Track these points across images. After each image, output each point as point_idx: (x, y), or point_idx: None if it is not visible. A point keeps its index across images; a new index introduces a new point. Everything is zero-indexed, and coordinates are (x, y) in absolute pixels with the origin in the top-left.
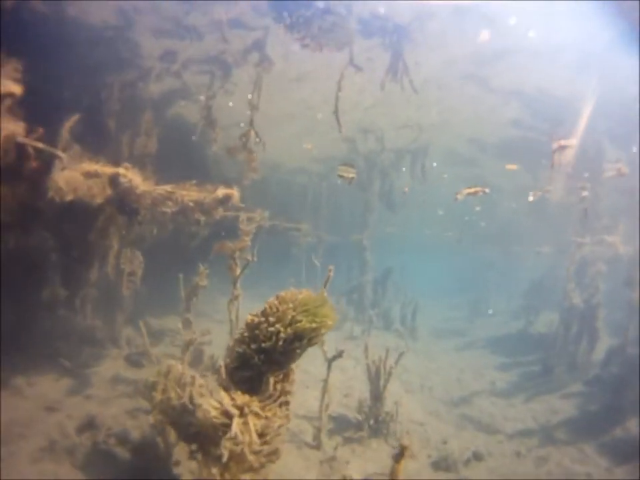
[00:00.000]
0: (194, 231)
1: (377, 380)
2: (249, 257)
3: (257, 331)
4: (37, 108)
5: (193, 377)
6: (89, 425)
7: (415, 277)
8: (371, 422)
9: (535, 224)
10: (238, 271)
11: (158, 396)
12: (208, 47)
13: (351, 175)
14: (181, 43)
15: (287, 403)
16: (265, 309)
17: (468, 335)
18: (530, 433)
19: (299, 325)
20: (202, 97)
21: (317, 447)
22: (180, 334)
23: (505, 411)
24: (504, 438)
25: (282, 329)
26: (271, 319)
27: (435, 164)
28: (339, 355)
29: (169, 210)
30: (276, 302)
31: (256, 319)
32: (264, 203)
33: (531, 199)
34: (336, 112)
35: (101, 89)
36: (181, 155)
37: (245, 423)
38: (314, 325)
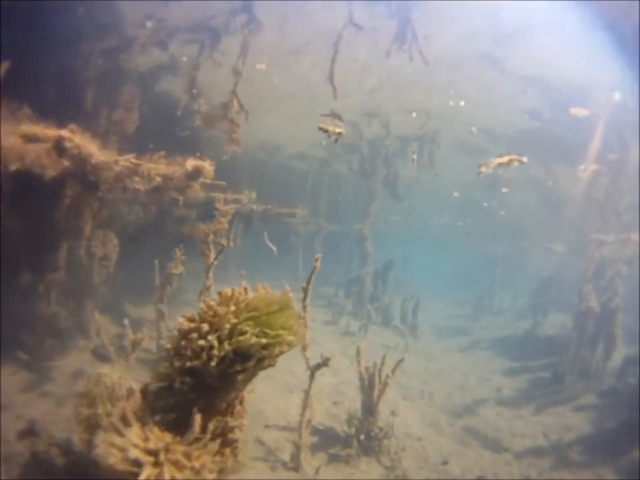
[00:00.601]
0: (182, 213)
1: (370, 390)
2: (224, 242)
3: (184, 343)
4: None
5: (130, 390)
6: (29, 431)
7: (417, 270)
8: (362, 437)
9: (546, 219)
10: (212, 258)
11: (84, 411)
12: (193, 12)
13: (337, 131)
14: (166, 8)
15: (231, 445)
16: (201, 310)
17: (472, 334)
18: (541, 452)
19: (241, 338)
20: (184, 58)
21: (295, 468)
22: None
23: (512, 423)
24: (512, 458)
25: (216, 343)
26: (204, 328)
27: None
28: (324, 363)
29: (140, 187)
30: (214, 302)
31: (186, 325)
32: (263, 188)
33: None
34: (331, 76)
35: (77, 57)
36: (170, 135)
37: (160, 476)
38: (264, 341)
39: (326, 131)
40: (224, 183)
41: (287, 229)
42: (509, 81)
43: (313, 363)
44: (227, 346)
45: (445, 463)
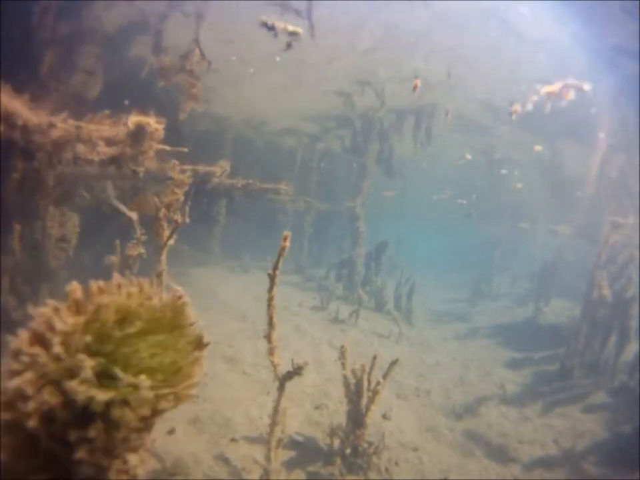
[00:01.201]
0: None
1: (357, 397)
2: (178, 217)
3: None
4: None
5: None
6: None
7: (412, 251)
8: (347, 452)
9: (551, 200)
10: (165, 236)
11: None
12: None
13: (291, 29)
14: None
15: None
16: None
17: (470, 320)
18: (552, 462)
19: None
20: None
21: None
22: None
23: (519, 427)
24: (520, 470)
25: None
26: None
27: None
28: (297, 371)
29: (91, 157)
30: (49, 311)
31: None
32: (250, 166)
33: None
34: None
35: (32, 15)
36: (146, 105)
37: None
38: (109, 396)
39: (271, 28)
40: (185, 149)
41: (275, 208)
42: (517, 44)
43: (297, 361)
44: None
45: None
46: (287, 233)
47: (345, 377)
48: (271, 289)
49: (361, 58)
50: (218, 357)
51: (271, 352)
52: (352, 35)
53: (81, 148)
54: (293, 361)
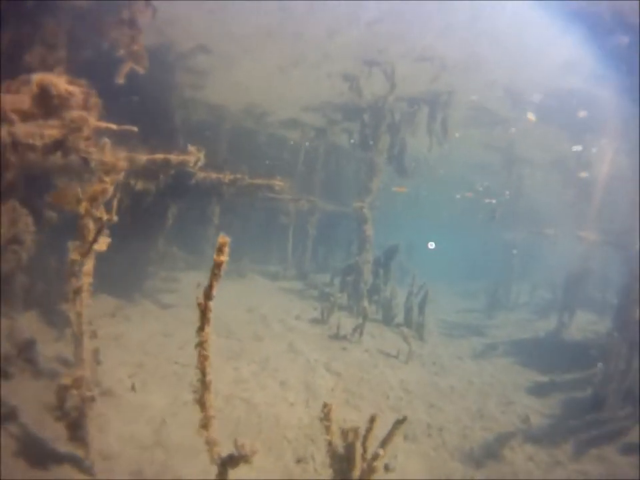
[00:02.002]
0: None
1: (347, 468)
2: (104, 215)
3: None
4: None
5: None
6: None
7: (423, 256)
8: None
9: (575, 203)
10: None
11: None
12: None
13: None
14: None
15: None
16: None
17: (487, 334)
18: None
19: None
20: None
21: None
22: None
23: (549, 474)
24: None
25: None
26: None
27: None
28: (243, 457)
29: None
30: None
31: None
32: (250, 162)
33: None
34: None
35: None
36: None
37: None
38: None
39: None
40: (135, 128)
41: (277, 208)
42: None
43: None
44: None
45: None
46: (223, 240)
47: (329, 444)
48: (201, 329)
49: (367, 31)
50: (186, 386)
51: (204, 424)
52: (355, 4)
53: (21, 129)
54: (236, 442)
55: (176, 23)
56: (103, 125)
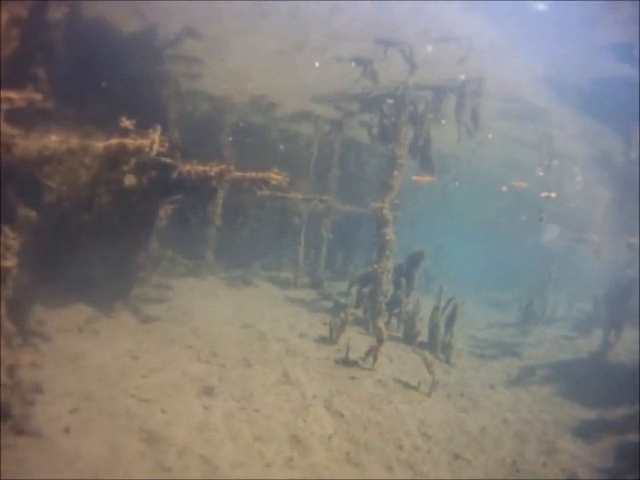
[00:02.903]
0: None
1: None
2: None
3: None
4: None
5: None
6: None
7: (452, 264)
8: None
9: (621, 206)
10: None
11: None
12: None
13: None
14: None
15: None
16: None
17: (522, 354)
18: None
19: None
20: None
21: None
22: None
23: None
24: None
25: None
26: None
27: None
28: None
29: None
30: None
31: None
32: (263, 161)
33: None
34: None
35: None
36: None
37: None
38: None
39: None
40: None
41: (289, 209)
42: None
43: None
44: None
45: None
46: None
47: None
48: None
49: (374, 6)
50: (135, 430)
51: None
52: None
53: None
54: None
55: (156, 4)
56: None
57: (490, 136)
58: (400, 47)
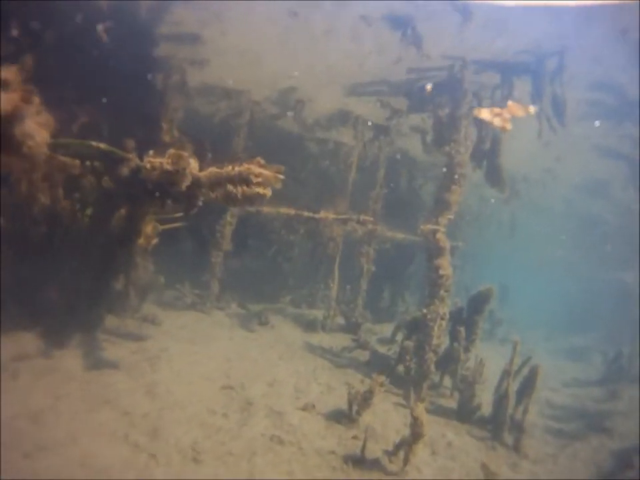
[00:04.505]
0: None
1: None
2: None
3: None
4: None
5: None
6: None
7: (516, 300)
8: None
9: None
10: None
11: None
12: None
13: None
14: None
15: None
16: None
17: (614, 430)
18: None
19: None
20: None
21: None
22: None
23: None
24: None
25: None
26: None
27: None
28: None
29: None
30: None
31: None
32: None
33: None
34: None
35: None
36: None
37: None
38: None
39: None
40: None
41: (319, 232)
42: None
43: None
44: None
45: None
46: None
47: None
48: None
49: None
50: None
51: None
52: None
53: None
54: None
55: None
56: None
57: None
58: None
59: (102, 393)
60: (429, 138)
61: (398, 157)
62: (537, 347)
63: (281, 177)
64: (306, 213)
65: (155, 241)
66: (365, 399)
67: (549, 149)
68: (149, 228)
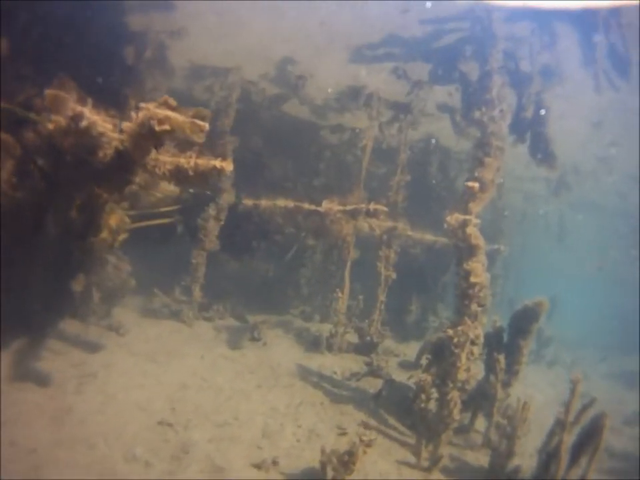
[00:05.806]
0: None
1: None
2: None
3: None
4: None
5: None
6: None
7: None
8: None
9: None
10: None
11: None
12: None
13: None
14: None
15: None
16: None
17: None
18: None
19: None
20: None
21: None
22: None
23: None
24: None
25: None
26: None
27: None
28: None
29: None
30: None
31: None
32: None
33: None
34: None
35: None
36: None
37: None
38: None
39: None
40: None
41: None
42: None
43: None
44: None
45: None
46: None
47: None
48: None
49: None
50: None
51: None
52: None
53: None
54: None
55: None
56: None
57: None
58: None
59: (4, 412)
60: (458, 116)
61: (433, 141)
62: (589, 370)
63: (203, 124)
64: (306, 205)
65: (122, 236)
66: (344, 463)
67: (601, 132)
68: (112, 220)
